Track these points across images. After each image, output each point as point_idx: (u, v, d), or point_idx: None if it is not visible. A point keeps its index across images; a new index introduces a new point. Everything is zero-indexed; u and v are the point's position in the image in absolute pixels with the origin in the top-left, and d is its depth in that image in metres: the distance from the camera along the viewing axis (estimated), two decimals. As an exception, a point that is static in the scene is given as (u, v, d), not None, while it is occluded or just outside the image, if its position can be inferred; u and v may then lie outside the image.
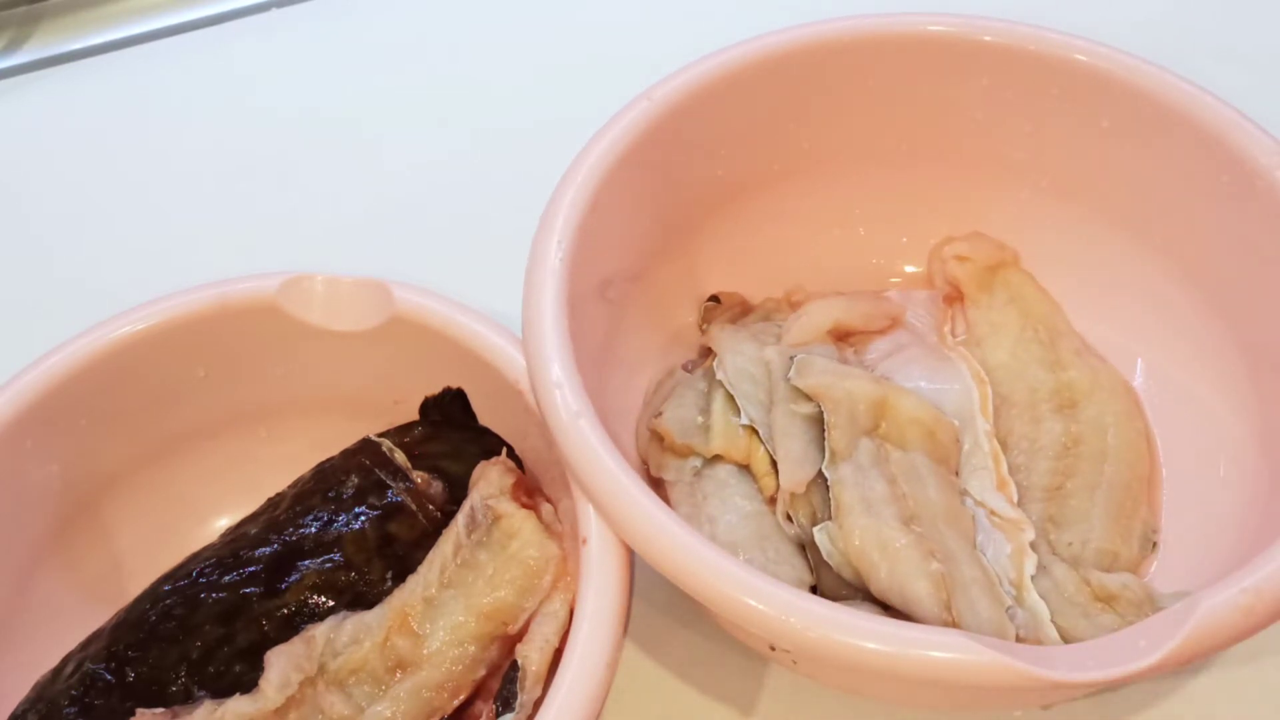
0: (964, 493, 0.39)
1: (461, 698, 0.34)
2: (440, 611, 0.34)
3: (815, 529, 0.36)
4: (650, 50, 0.61)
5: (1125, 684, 0.31)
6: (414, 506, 0.37)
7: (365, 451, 0.39)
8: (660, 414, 0.40)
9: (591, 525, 0.32)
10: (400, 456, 0.39)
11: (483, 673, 0.34)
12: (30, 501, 0.37)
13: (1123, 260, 0.43)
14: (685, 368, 0.43)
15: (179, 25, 0.64)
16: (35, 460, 0.37)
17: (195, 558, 0.38)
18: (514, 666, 0.33)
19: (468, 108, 0.59)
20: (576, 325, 0.35)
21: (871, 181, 0.46)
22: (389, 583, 0.36)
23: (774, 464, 0.38)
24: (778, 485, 0.38)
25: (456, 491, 0.38)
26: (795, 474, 0.37)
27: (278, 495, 0.39)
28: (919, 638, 0.28)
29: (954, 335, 0.45)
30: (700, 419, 0.40)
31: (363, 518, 0.37)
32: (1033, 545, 0.38)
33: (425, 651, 0.34)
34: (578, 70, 0.60)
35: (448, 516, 0.37)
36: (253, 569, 0.36)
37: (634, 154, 0.39)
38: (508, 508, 0.35)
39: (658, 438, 0.40)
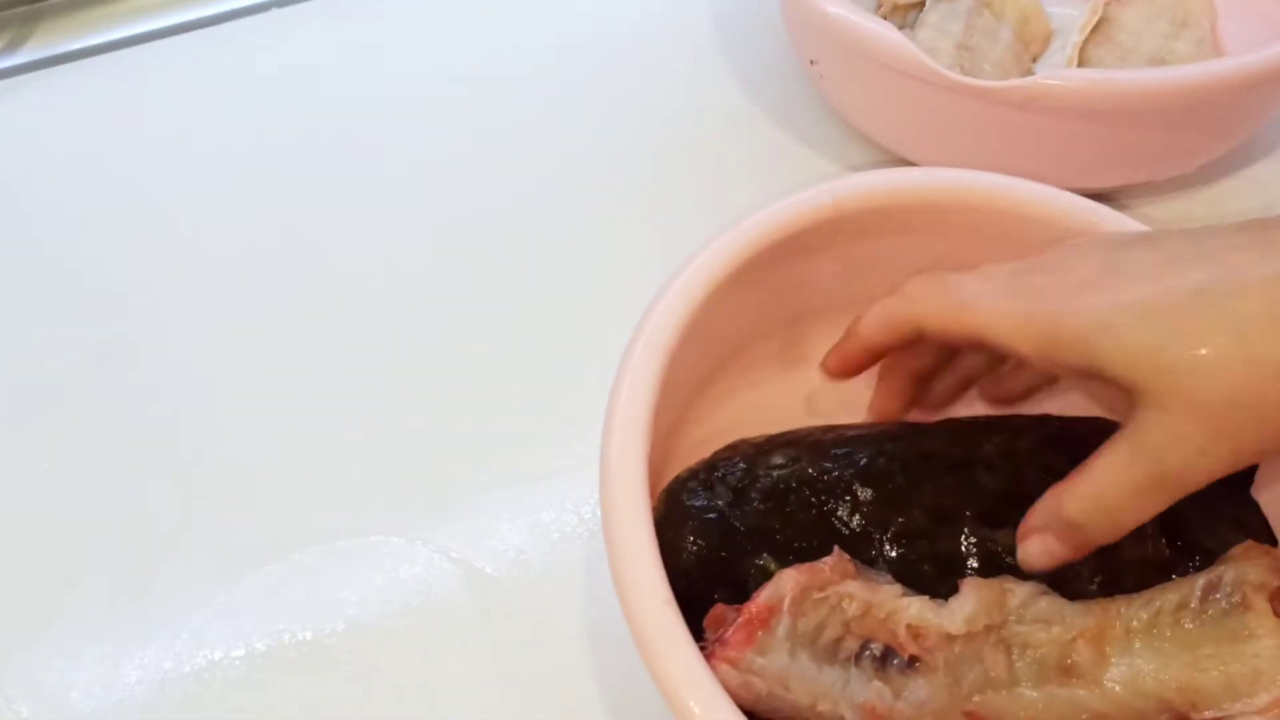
0: (1030, 72, 0.52)
1: None
2: (1135, 653, 0.33)
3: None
4: (650, 50, 0.61)
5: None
6: (1149, 528, 0.35)
7: None
8: None
9: None
10: None
11: None
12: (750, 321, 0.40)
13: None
14: None
15: (179, 25, 0.64)
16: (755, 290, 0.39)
17: (926, 435, 0.38)
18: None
19: (469, 106, 0.59)
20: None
21: None
22: (1093, 585, 0.35)
23: None
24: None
25: (1183, 534, 0.36)
26: None
27: (1019, 420, 0.39)
28: None
29: None
30: None
31: None
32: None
33: (1102, 677, 0.32)
34: (578, 68, 0.60)
35: (1171, 550, 0.36)
36: (981, 494, 0.36)
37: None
38: (1261, 605, 0.32)
39: None
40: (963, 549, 0.35)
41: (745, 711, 0.30)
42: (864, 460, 0.37)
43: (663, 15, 0.62)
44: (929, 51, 0.47)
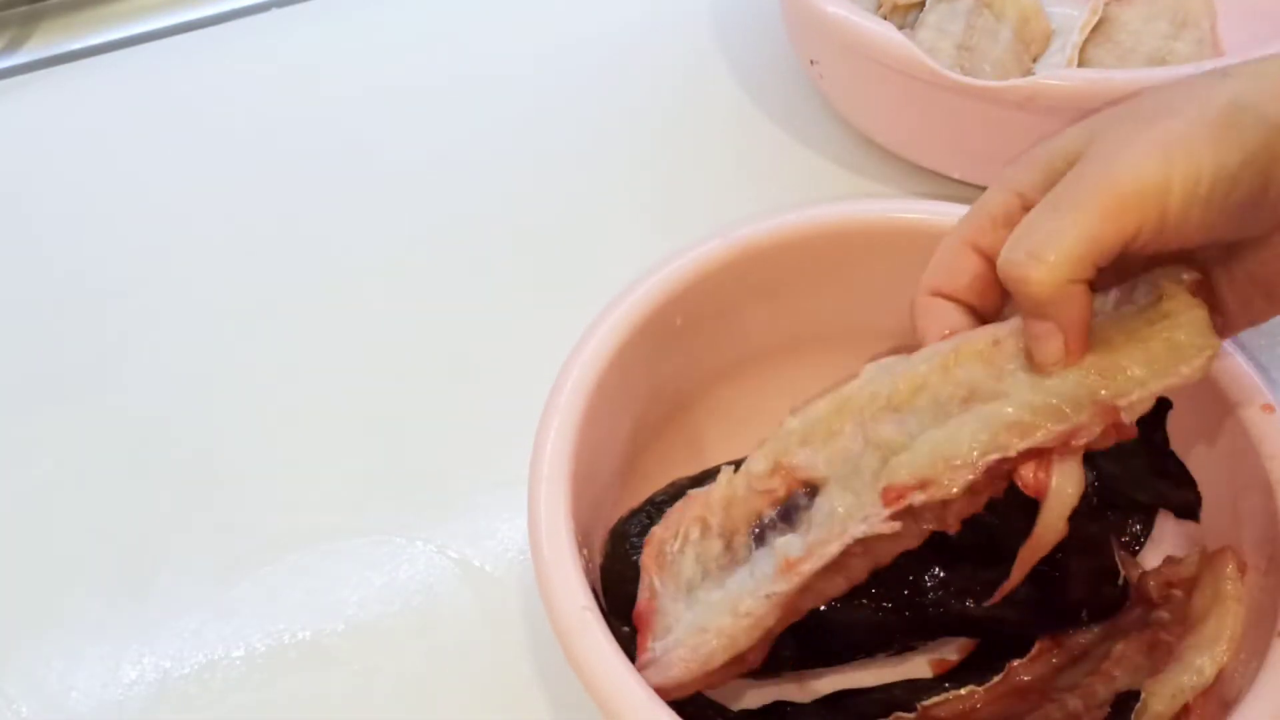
0: (1030, 72, 0.52)
1: (1030, 445, 0.29)
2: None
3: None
4: (650, 50, 0.61)
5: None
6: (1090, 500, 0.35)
7: None
8: None
9: None
10: None
11: (1064, 428, 0.29)
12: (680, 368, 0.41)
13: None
14: None
15: (179, 25, 0.64)
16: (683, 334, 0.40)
17: None
18: (1134, 696, 0.32)
19: (469, 106, 0.59)
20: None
21: None
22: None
23: None
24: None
25: (1118, 498, 0.38)
26: None
27: None
28: None
29: None
30: None
31: None
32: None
33: (1005, 388, 0.30)
34: (578, 67, 0.60)
35: (1112, 513, 0.38)
36: None
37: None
38: (1175, 290, 0.30)
39: None
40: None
41: (707, 688, 0.32)
42: None
43: (663, 15, 0.62)
44: (929, 51, 0.47)
